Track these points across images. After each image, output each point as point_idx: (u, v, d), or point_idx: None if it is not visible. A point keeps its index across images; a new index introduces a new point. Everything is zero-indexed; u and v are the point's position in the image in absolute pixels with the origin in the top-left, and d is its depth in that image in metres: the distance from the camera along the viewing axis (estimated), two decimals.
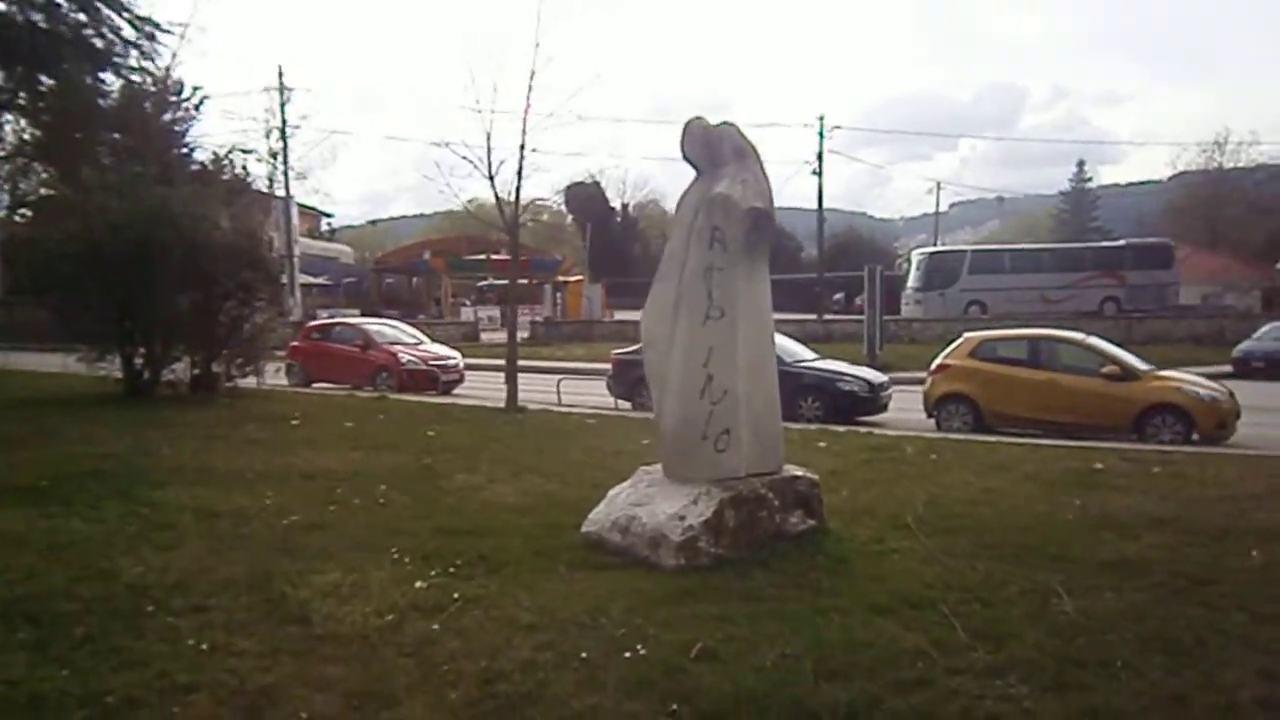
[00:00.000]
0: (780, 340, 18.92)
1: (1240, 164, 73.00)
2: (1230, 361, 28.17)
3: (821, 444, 12.23)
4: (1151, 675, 4.77)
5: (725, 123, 7.29)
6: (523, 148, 15.76)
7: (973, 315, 40.96)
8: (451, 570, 6.42)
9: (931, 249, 52.09)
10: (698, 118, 7.39)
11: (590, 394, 19.55)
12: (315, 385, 21.21)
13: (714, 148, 7.25)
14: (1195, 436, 14.31)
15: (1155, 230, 62.12)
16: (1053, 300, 42.15)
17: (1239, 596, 5.95)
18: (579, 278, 52.77)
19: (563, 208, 77.29)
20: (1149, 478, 9.87)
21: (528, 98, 15.59)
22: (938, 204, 66.24)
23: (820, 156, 44.03)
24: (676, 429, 7.07)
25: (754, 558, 6.74)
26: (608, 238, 72.60)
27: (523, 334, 40.30)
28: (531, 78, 15.55)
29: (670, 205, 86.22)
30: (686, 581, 6.23)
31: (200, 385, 16.35)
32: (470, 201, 20.02)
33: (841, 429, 14.23)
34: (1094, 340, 16.31)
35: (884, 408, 17.64)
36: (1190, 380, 15.58)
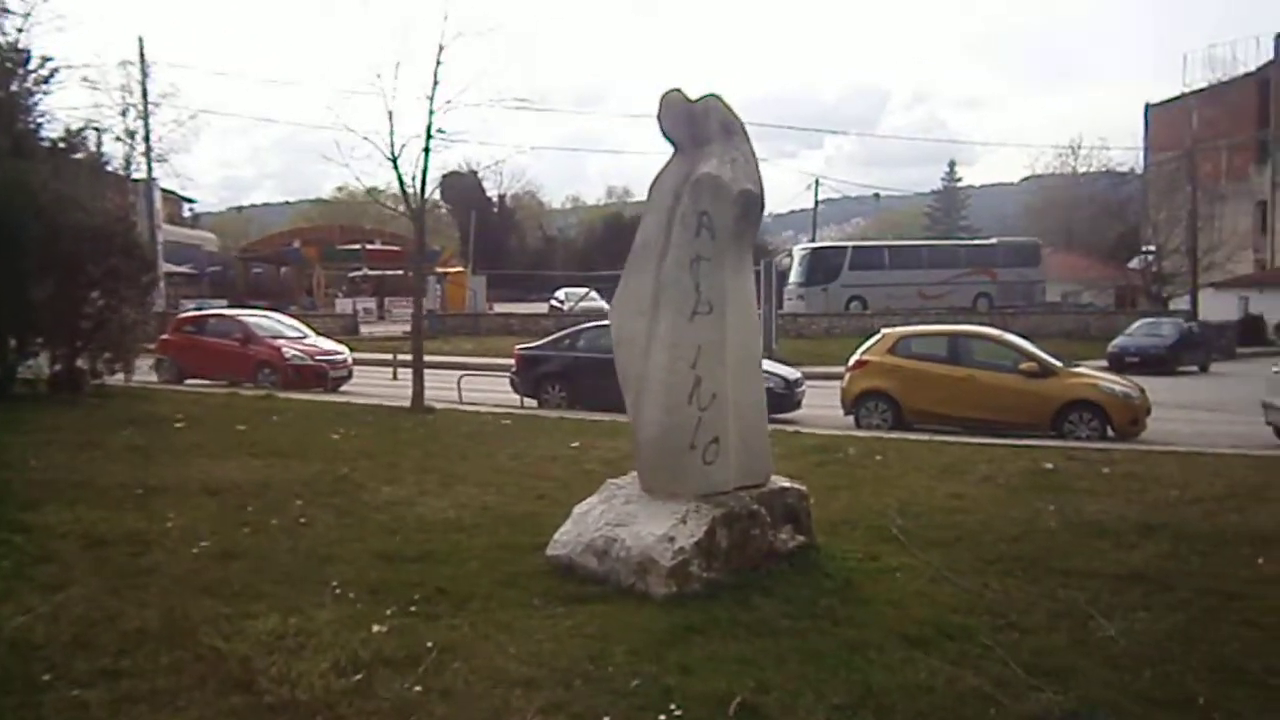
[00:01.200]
0: None
1: (1092, 168, 76.93)
2: (1105, 356, 29.21)
3: (849, 451, 11.62)
4: (1246, 716, 4.28)
5: (710, 95, 6.53)
6: (429, 129, 14.63)
7: (854, 311, 41.56)
8: (411, 608, 5.47)
9: (814, 244, 52.65)
10: (676, 89, 6.61)
11: (492, 390, 18.55)
12: (188, 382, 19.46)
13: (697, 123, 6.49)
14: (1110, 432, 14.41)
15: (1013, 230, 64.69)
16: (929, 296, 43.11)
17: (1277, 613, 5.59)
18: (459, 269, 51.12)
19: (438, 197, 75.07)
20: (1105, 479, 9.64)
21: (435, 74, 14.49)
22: (816, 200, 66.99)
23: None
24: (659, 438, 6.28)
25: (750, 581, 6.04)
26: (485, 229, 70.93)
27: (405, 327, 38.75)
28: (440, 53, 14.45)
29: (548, 197, 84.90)
30: (686, 614, 5.46)
31: (63, 383, 14.54)
32: (372, 190, 18.58)
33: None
34: (1011, 337, 16.33)
35: (798, 404, 17.25)
36: (1104, 377, 15.76)
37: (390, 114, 14.68)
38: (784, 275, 46.74)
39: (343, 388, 19.78)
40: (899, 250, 47.21)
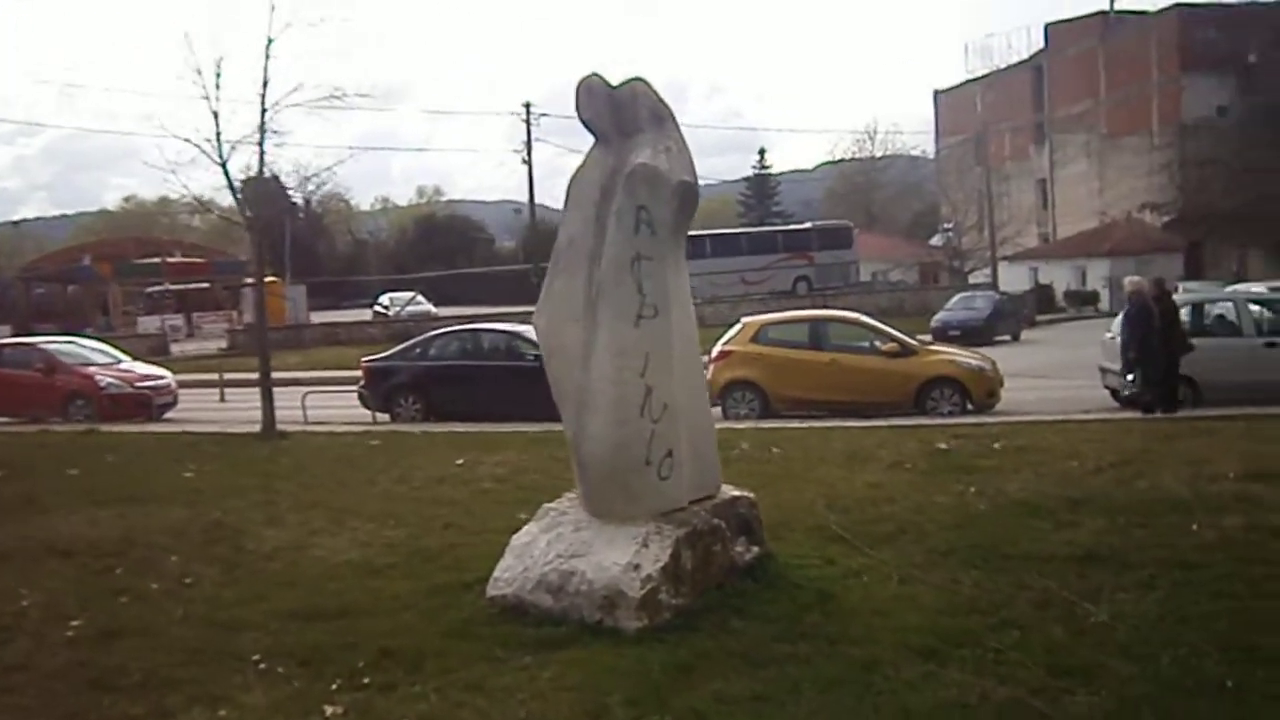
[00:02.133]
0: None
1: (888, 152, 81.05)
2: (930, 331, 30.56)
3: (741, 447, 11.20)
4: None
5: (635, 79, 6.01)
6: (262, 129, 13.38)
7: None
8: (360, 679, 4.72)
9: None
10: (595, 74, 6.06)
11: (336, 406, 17.30)
12: None
13: (624, 111, 5.96)
14: (969, 406, 14.86)
15: (818, 214, 67.29)
16: (751, 282, 44.14)
17: (1244, 579, 5.64)
18: (272, 279, 48.20)
19: (234, 206, 70.61)
20: (1004, 454, 9.78)
21: (265, 70, 13.25)
22: None
23: (529, 145, 42.97)
24: (609, 456, 5.72)
25: (719, 602, 5.62)
26: (292, 236, 67.40)
27: (219, 343, 36.16)
28: (269, 45, 13.22)
29: (355, 199, 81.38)
30: (671, 650, 4.97)
31: None
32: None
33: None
34: (868, 319, 16.61)
35: None
36: (959, 353, 16.27)
37: (216, 114, 13.32)
38: None
39: (168, 415, 18.01)
40: (720, 238, 47.98)
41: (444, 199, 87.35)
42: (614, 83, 6.04)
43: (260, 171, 13.87)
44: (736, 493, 6.35)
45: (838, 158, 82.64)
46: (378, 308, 44.25)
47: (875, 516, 7.52)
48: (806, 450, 10.63)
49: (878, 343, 15.71)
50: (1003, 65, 62.94)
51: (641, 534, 5.61)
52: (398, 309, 42.51)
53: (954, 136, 65.26)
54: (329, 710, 4.35)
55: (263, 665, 4.93)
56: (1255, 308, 15.11)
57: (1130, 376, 13.26)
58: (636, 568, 5.41)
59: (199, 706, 4.41)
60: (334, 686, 4.65)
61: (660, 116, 5.97)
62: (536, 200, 49.34)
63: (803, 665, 4.72)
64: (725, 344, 16.22)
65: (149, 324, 38.29)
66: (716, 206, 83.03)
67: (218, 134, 13.38)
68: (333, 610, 5.79)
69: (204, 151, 13.39)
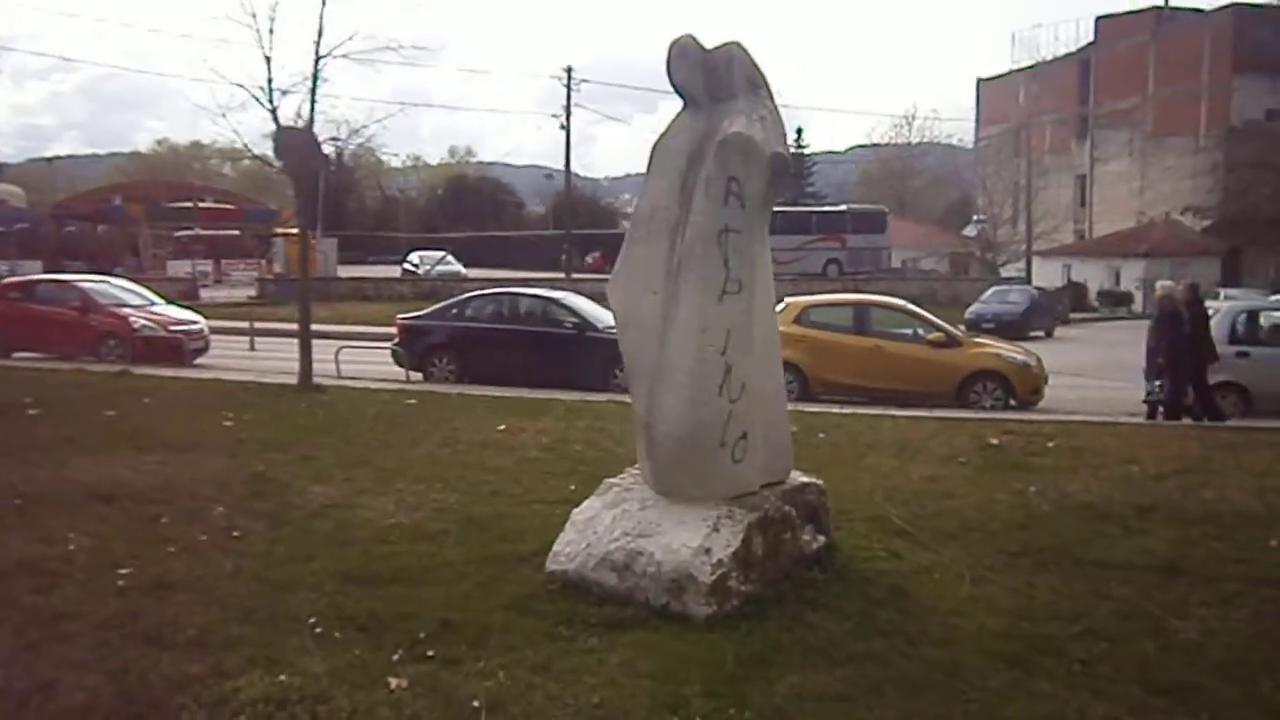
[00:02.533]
0: (581, 303, 17.65)
1: (925, 138, 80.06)
2: (963, 322, 30.19)
3: None
4: None
5: (732, 42, 5.74)
6: (315, 77, 13.14)
7: None
8: (424, 651, 4.55)
9: None
10: (689, 35, 5.79)
11: (369, 362, 17.16)
12: (16, 355, 17.18)
13: (718, 75, 5.69)
14: (1012, 402, 14.59)
15: (850, 197, 66.64)
16: (783, 262, 43.46)
17: None
18: (298, 230, 48.13)
19: (269, 154, 70.49)
20: (1059, 454, 9.53)
21: (321, 16, 12.99)
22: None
23: (569, 110, 42.56)
24: (686, 435, 5.51)
25: (788, 592, 5.41)
26: (324, 188, 67.29)
27: (248, 291, 36.14)
28: None
29: (386, 156, 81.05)
30: (744, 639, 4.77)
31: None
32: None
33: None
34: (914, 307, 16.31)
35: None
36: (1005, 347, 15.97)
37: (269, 59, 13.08)
38: None
39: (198, 360, 17.94)
40: None
41: (474, 159, 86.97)
42: (707, 46, 5.78)
43: (310, 121, 13.58)
44: (805, 479, 6.13)
45: (874, 141, 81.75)
46: (407, 265, 44.11)
47: (936, 511, 7.29)
48: (854, 437, 10.40)
49: (921, 331, 15.45)
50: (1049, 57, 61.93)
51: (713, 517, 5.41)
52: (427, 268, 42.39)
53: (994, 126, 64.31)
54: (394, 683, 4.18)
55: (319, 630, 4.76)
56: None
57: (1158, 383, 12.93)
58: (708, 551, 5.22)
59: (258, 670, 4.24)
60: (395, 657, 4.48)
61: (755, 83, 5.71)
62: (562, 167, 48.92)
63: (882, 665, 4.52)
64: None
65: (178, 268, 38.25)
66: None
67: (269, 80, 13.15)
68: (387, 575, 5.63)
69: (255, 98, 13.16)
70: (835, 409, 13.09)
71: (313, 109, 13.38)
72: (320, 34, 12.98)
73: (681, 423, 5.50)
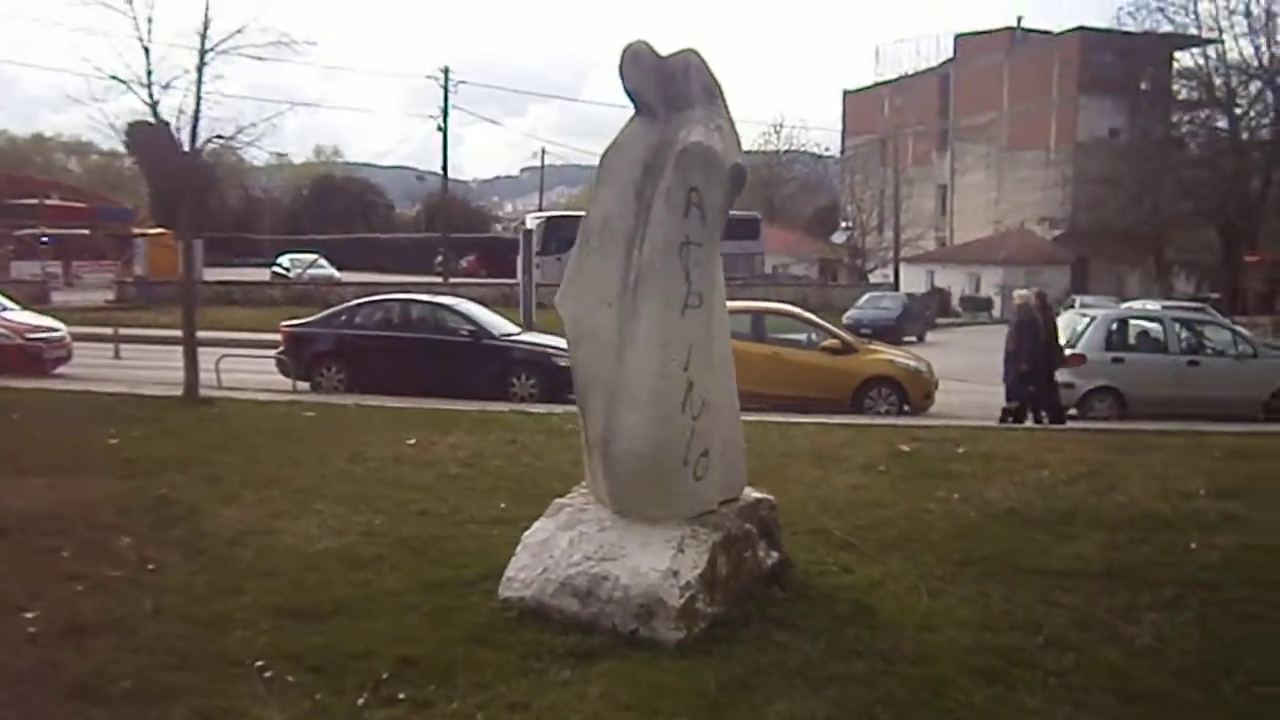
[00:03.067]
0: (475, 309, 17.24)
1: (793, 147, 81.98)
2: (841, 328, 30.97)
3: None
4: None
5: (688, 50, 5.61)
6: (201, 66, 12.35)
7: None
8: (386, 693, 4.24)
9: (550, 213, 51.97)
10: (642, 41, 5.62)
11: (250, 371, 16.29)
12: None
13: (674, 83, 5.55)
14: (906, 407, 14.97)
15: None
16: None
17: (1264, 601, 5.65)
18: (159, 230, 45.60)
19: (121, 148, 66.55)
20: (971, 460, 9.78)
21: (208, 8, 12.23)
22: (542, 167, 66.46)
23: (445, 112, 41.70)
24: (649, 453, 5.33)
25: (752, 612, 5.32)
26: (178, 186, 63.89)
27: (104, 294, 33.92)
28: None
29: (248, 154, 77.85)
30: (722, 665, 4.64)
31: None
32: None
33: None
34: (809, 315, 16.57)
35: None
36: (898, 353, 16.39)
37: (147, 50, 12.20)
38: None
39: (59, 370, 16.68)
40: None
41: (341, 160, 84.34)
42: (661, 52, 5.63)
43: (196, 115, 12.73)
44: (757, 495, 6.05)
45: (743, 149, 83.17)
46: (277, 269, 42.30)
47: (871, 521, 7.34)
48: (770, 447, 10.40)
49: (814, 337, 15.70)
50: (912, 71, 64.43)
51: (676, 537, 5.26)
52: (299, 271, 40.77)
53: (860, 137, 66.56)
54: None
55: (269, 673, 4.38)
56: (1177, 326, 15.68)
57: (1030, 387, 13.38)
58: (675, 574, 5.06)
59: None
60: (360, 701, 4.16)
61: (711, 92, 5.60)
62: (436, 169, 47.95)
63: (866, 686, 4.46)
64: None
65: (23, 269, 35.62)
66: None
67: (149, 73, 12.29)
68: (326, 607, 5.26)
69: (134, 91, 12.28)
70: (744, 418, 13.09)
71: (198, 106, 12.53)
72: (206, 25, 12.21)
73: (644, 441, 5.32)
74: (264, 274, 42.97)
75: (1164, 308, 22.73)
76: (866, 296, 34.91)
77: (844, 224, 62.98)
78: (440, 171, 46.83)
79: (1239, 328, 17.89)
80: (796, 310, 17.03)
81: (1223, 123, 43.38)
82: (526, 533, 5.67)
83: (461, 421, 11.45)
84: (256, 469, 8.47)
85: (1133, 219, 44.97)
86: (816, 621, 5.22)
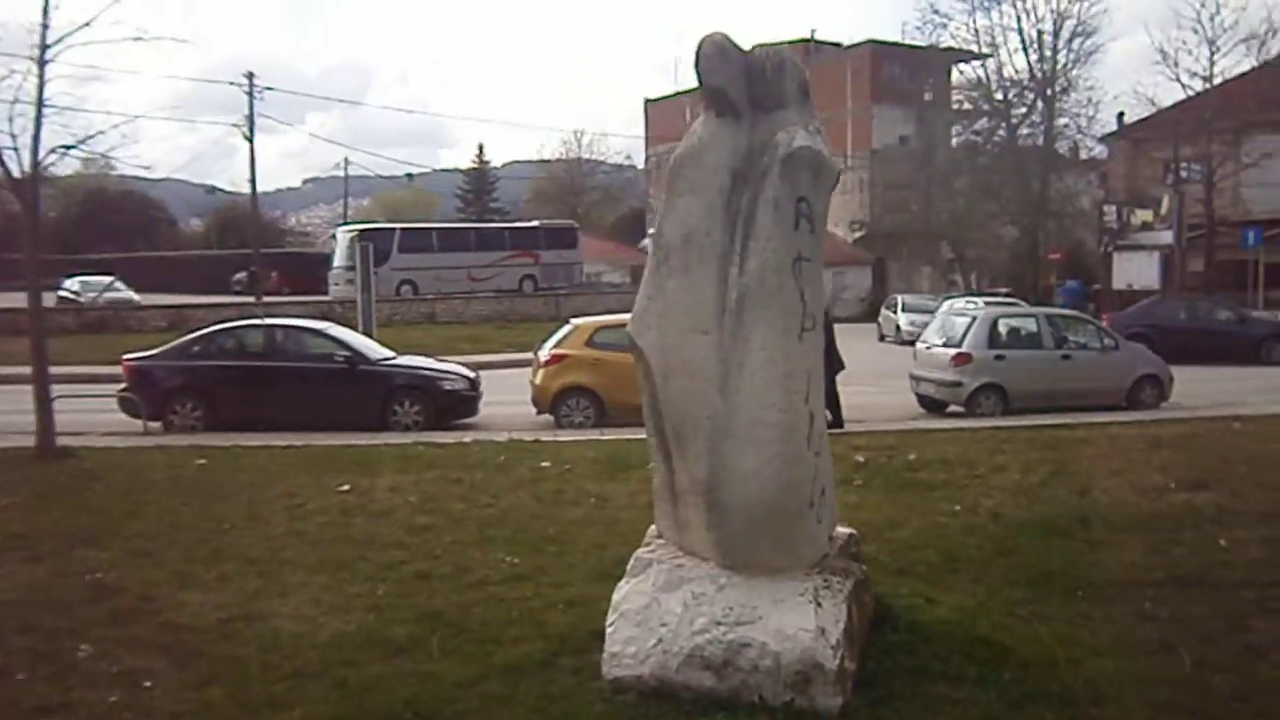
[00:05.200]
0: (346, 333, 15.87)
1: (595, 155, 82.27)
2: None
3: (545, 463, 10.06)
4: None
5: (778, 44, 5.05)
6: (41, 78, 10.54)
7: (405, 295, 40.05)
8: None
9: (361, 226, 49.59)
10: (722, 33, 5.02)
11: (80, 412, 14.15)
12: None
13: (764, 81, 4.95)
14: None
15: (523, 213, 67.31)
16: (478, 279, 43.00)
17: None
18: None
19: None
20: (933, 466, 9.65)
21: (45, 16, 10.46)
22: (346, 177, 63.32)
23: (251, 120, 38.79)
24: (774, 499, 4.69)
25: (884, 662, 4.82)
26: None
27: None
28: None
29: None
30: None
31: None
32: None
33: (529, 439, 12.09)
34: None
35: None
36: None
37: None
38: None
39: None
40: (448, 233, 46.48)
41: (115, 173, 77.16)
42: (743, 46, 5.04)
43: (37, 124, 10.78)
44: (845, 530, 5.54)
45: (544, 157, 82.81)
46: (64, 292, 37.71)
47: (901, 543, 7.00)
48: None
49: None
50: None
51: (809, 590, 4.68)
52: (93, 295, 36.66)
53: (663, 145, 67.41)
54: None
55: None
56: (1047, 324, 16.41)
57: None
58: (824, 633, 4.48)
59: None
60: None
61: (806, 92, 5.05)
62: (210, 180, 44.74)
63: None
64: (558, 347, 15.22)
65: None
66: (411, 198, 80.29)
67: None
68: (406, 715, 4.32)
69: None
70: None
71: (39, 118, 10.61)
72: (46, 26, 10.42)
73: (770, 485, 4.68)
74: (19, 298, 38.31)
75: (986, 303, 24.10)
76: None
77: (650, 231, 63.68)
78: (202, 183, 43.48)
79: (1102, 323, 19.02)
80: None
81: (1004, 131, 46.64)
82: (617, 597, 4.91)
83: (382, 460, 10.32)
84: (184, 536, 7.15)
85: (930, 221, 47.80)
86: (959, 666, 4.76)
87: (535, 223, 50.92)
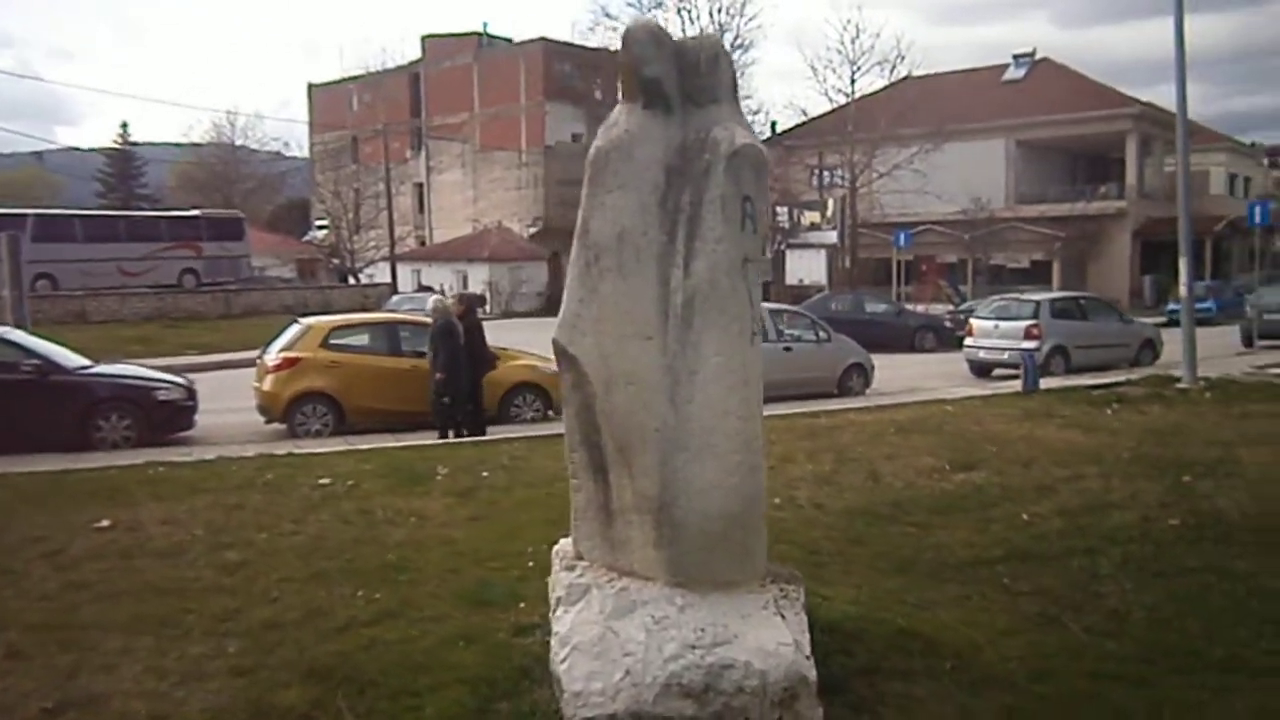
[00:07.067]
0: (28, 338, 13.49)
1: (247, 141, 76.34)
2: None
3: (324, 480, 9.11)
4: None
5: (709, 35, 4.85)
6: None
7: (43, 291, 35.09)
8: None
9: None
10: (654, 20, 4.75)
11: None
12: None
13: (698, 72, 4.72)
14: (551, 413, 14.74)
15: (170, 200, 61.56)
16: (131, 273, 38.70)
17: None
18: None
19: None
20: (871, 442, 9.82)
21: None
22: None
23: None
24: (737, 511, 4.48)
25: (835, 667, 4.80)
26: None
27: None
28: None
29: None
30: None
31: None
32: None
33: (282, 452, 10.87)
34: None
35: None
36: (536, 359, 16.05)
37: None
38: None
39: None
40: (92, 221, 41.07)
41: None
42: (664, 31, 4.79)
43: None
44: None
45: (194, 140, 75.60)
46: None
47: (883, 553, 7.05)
48: (523, 471, 9.58)
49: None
50: (379, 68, 63.54)
51: (768, 601, 4.56)
52: None
53: (329, 133, 64.15)
54: None
55: None
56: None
57: (445, 399, 12.86)
58: (797, 645, 4.38)
59: None
60: None
61: (737, 86, 4.90)
62: None
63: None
64: (288, 350, 13.92)
65: None
66: (26, 180, 70.03)
67: None
68: None
69: None
70: (427, 440, 11.95)
71: None
72: None
73: (731, 496, 4.49)
74: None
75: None
76: (396, 298, 33.90)
77: (317, 222, 60.30)
78: None
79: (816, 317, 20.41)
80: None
81: None
82: (561, 629, 4.52)
83: (126, 487, 8.81)
84: (53, 614, 5.62)
85: None
86: (900, 662, 4.86)
87: (195, 212, 46.32)
